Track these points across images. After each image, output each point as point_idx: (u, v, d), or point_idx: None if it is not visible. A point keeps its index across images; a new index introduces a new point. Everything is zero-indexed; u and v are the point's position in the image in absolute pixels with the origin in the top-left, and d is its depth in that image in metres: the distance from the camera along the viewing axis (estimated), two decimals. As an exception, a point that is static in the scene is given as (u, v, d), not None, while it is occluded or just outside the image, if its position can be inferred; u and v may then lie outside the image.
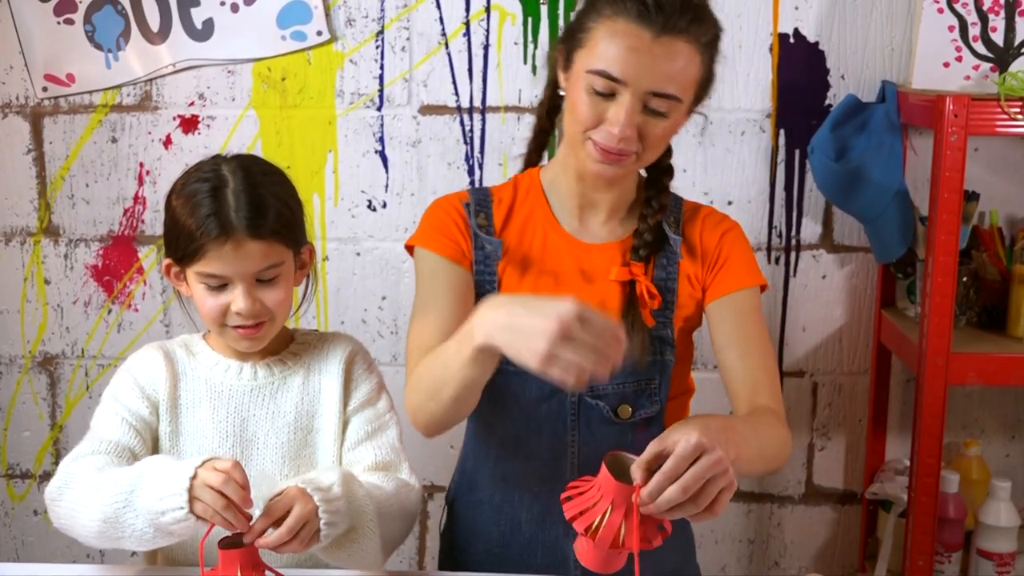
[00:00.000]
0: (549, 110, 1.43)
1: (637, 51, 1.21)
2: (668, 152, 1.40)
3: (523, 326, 1.03)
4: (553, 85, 1.39)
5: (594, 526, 1.05)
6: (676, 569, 1.50)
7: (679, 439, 1.04)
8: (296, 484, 1.19)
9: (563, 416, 1.40)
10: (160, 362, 1.42)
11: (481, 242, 1.39)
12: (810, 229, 2.07)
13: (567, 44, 1.31)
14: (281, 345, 1.46)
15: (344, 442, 1.43)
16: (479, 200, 1.41)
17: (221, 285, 1.34)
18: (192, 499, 1.14)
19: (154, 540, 1.19)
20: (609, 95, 1.25)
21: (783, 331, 2.12)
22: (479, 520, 1.50)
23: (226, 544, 1.16)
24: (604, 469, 1.06)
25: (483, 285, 1.40)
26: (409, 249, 1.44)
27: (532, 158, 1.48)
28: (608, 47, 1.23)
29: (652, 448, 1.07)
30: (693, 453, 1.03)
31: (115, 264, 2.15)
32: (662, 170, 1.41)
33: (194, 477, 1.15)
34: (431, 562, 2.24)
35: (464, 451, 1.55)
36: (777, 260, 2.09)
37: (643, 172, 1.44)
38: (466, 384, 1.20)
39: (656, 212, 1.39)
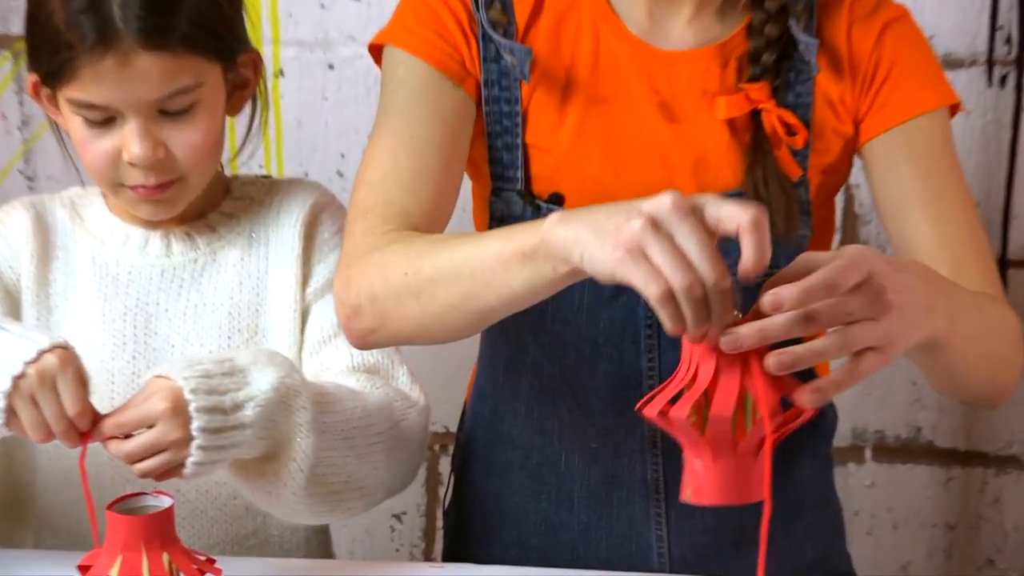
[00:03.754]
0: None
1: None
2: None
3: (603, 224, 1.06)
4: None
5: (704, 417, 1.07)
6: (818, 560, 1.52)
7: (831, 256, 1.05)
8: (178, 380, 1.18)
9: (634, 329, 1.41)
10: (26, 228, 1.45)
11: (494, 49, 1.39)
12: (1059, 30, 2.04)
13: None
14: (210, 202, 1.48)
15: (305, 342, 1.45)
16: None
17: (106, 120, 1.36)
18: (9, 409, 1.17)
19: None
20: None
21: (1009, 194, 2.09)
22: (506, 495, 1.52)
23: (122, 509, 1.17)
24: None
25: (495, 122, 1.41)
26: (375, 52, 1.45)
27: None
28: None
29: (784, 271, 1.07)
30: (853, 271, 1.03)
31: (-54, 79, 2.13)
32: None
33: (21, 376, 1.16)
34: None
35: (477, 390, 1.57)
36: (1003, 80, 2.06)
37: None
38: (494, 298, 1.18)
39: None
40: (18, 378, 1.15)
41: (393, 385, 1.41)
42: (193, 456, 1.17)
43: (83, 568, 1.16)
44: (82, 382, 1.18)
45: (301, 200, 1.48)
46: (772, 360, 1.04)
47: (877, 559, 2.20)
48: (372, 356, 1.42)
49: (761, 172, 1.36)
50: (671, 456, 1.39)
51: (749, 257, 1.00)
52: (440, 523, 2.22)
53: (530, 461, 1.50)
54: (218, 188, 1.48)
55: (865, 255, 1.04)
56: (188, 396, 1.17)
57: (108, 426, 1.18)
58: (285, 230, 1.46)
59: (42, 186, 2.13)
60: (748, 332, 1.03)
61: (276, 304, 1.45)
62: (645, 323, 1.40)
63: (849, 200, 2.08)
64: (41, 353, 1.16)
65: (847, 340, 1.05)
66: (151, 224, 1.45)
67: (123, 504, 1.16)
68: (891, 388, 2.16)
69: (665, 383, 1.10)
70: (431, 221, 1.34)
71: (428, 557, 2.28)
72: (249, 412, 1.20)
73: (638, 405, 1.11)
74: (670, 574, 1.46)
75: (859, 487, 2.19)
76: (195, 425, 1.17)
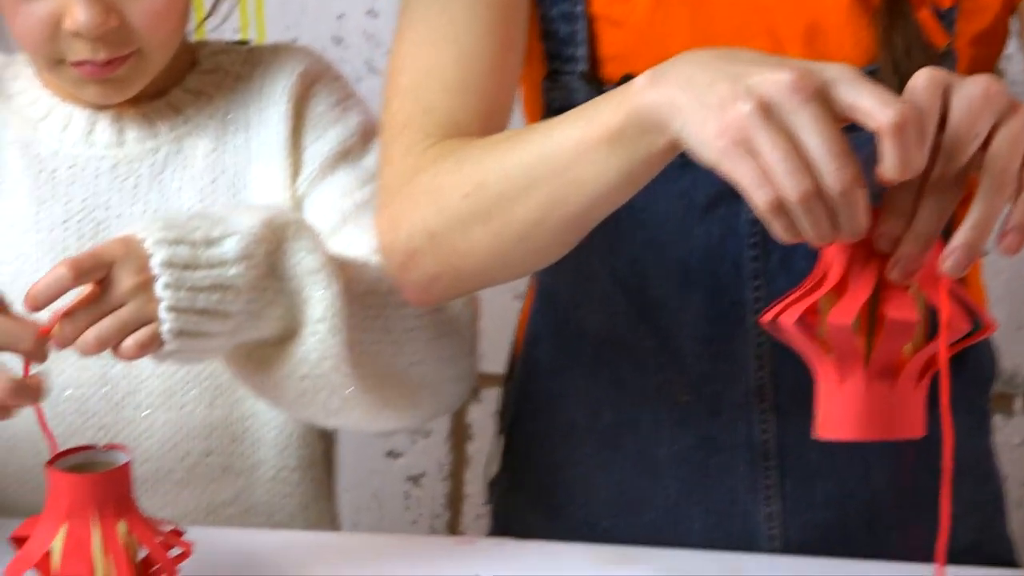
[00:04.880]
0: None
1: None
2: None
3: (705, 91, 1.06)
4: None
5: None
6: (973, 545, 1.51)
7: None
8: (137, 228, 1.19)
9: (735, 249, 1.42)
10: None
11: None
12: None
13: None
14: (172, 77, 1.50)
15: None
16: None
17: None
18: None
19: None
20: None
21: None
22: (571, 463, 1.54)
23: (65, 465, 1.18)
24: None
25: None
26: None
27: None
28: None
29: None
30: (932, 88, 1.03)
31: None
32: None
33: None
34: (475, 523, 2.31)
35: (532, 330, 1.59)
36: None
37: None
38: (585, 200, 1.18)
39: None
40: None
41: None
42: (162, 297, 1.17)
43: (17, 540, 1.18)
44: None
45: (288, 70, 1.50)
46: (951, 262, 1.05)
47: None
48: None
49: (901, 41, 1.34)
50: (786, 412, 1.40)
51: (890, 165, 1.01)
52: (468, 488, 2.23)
53: (601, 421, 1.50)
54: (182, 58, 1.49)
55: (933, 74, 1.04)
56: (140, 235, 1.18)
57: (46, 286, 1.15)
58: (269, 110, 1.48)
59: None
60: (960, 245, 1.04)
61: (259, 196, 1.48)
62: (749, 241, 1.40)
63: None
64: None
65: (1012, 147, 1.04)
66: (98, 105, 1.45)
67: (67, 460, 1.18)
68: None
69: (796, 289, 1.13)
70: (487, 128, 1.32)
71: (453, 530, 2.33)
72: (230, 246, 1.21)
73: (764, 316, 1.13)
74: (785, 555, 1.45)
75: (1007, 446, 2.21)
76: (155, 260, 1.17)
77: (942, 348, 1.08)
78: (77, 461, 1.17)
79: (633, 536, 1.46)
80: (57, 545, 1.14)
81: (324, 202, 1.46)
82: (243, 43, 1.55)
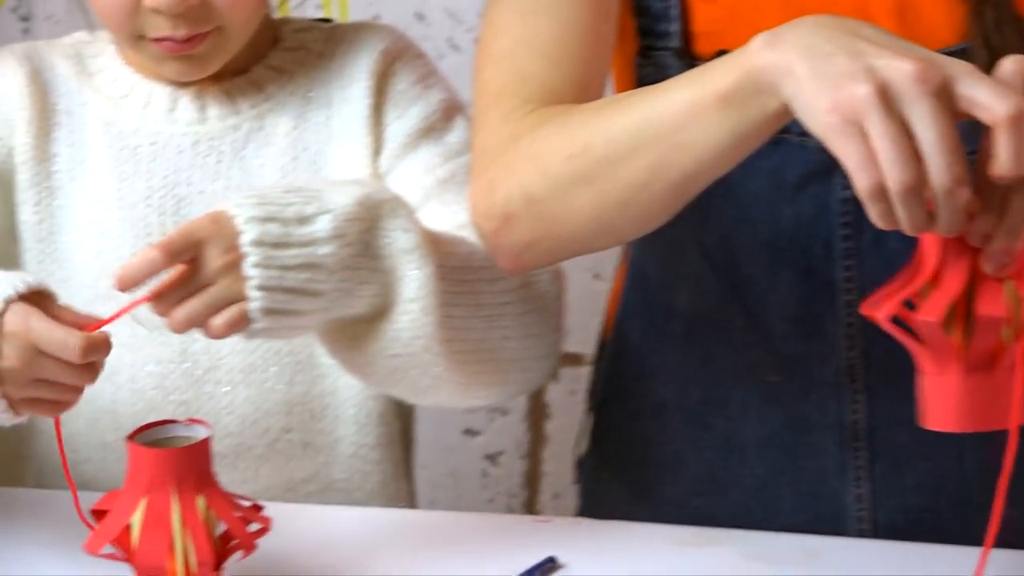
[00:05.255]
0: None
1: None
2: None
3: (823, 62, 1.06)
4: None
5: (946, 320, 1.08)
6: None
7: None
8: (229, 205, 1.18)
9: (826, 230, 1.41)
10: (19, 87, 1.47)
11: None
12: None
13: None
14: (254, 54, 1.50)
15: None
16: None
17: None
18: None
19: None
20: None
21: None
22: (659, 442, 1.54)
23: (146, 440, 1.18)
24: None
25: None
26: None
27: None
28: None
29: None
30: (1020, 74, 1.03)
31: None
32: None
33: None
34: (552, 502, 2.28)
35: (624, 308, 1.58)
36: None
37: None
38: (692, 164, 1.17)
39: None
40: None
41: None
42: (251, 276, 1.17)
43: (97, 513, 1.18)
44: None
45: (369, 48, 1.49)
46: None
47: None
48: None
49: (992, 15, 1.33)
50: (877, 392, 1.40)
51: (1005, 159, 1.00)
52: (545, 467, 2.22)
53: (689, 399, 1.50)
54: (264, 36, 1.49)
55: (1011, 58, 1.03)
56: (232, 211, 1.17)
57: (137, 268, 1.13)
58: (351, 88, 1.48)
59: (40, 30, 2.16)
60: None
61: (341, 173, 1.47)
62: (841, 220, 1.39)
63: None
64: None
65: None
66: (180, 82, 1.46)
67: (147, 434, 1.18)
68: None
69: (896, 277, 1.12)
70: (583, 98, 1.31)
71: (530, 509, 2.32)
72: (322, 225, 1.20)
73: (864, 306, 1.12)
74: (866, 539, 1.43)
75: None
76: (245, 238, 1.17)
77: (1021, 347, 1.08)
78: (157, 436, 1.18)
79: (721, 516, 1.45)
80: (136, 519, 1.14)
81: (406, 179, 1.45)
82: (326, 21, 1.55)
